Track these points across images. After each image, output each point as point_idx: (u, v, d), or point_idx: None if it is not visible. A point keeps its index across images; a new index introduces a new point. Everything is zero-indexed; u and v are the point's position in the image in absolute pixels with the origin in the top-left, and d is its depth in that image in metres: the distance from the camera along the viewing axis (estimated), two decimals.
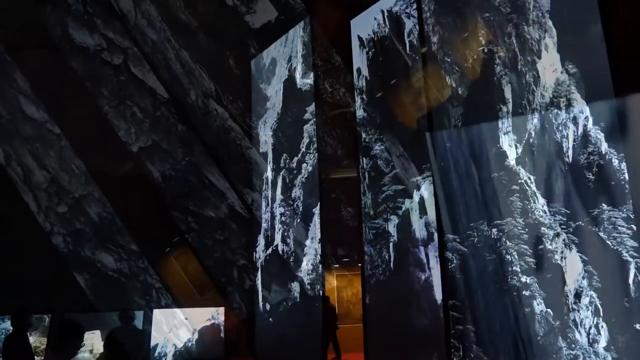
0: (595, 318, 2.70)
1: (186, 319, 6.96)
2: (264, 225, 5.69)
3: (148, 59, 5.56)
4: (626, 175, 2.70)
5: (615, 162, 2.73)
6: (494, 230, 2.86)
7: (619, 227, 2.68)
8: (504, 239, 2.87)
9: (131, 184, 8.52)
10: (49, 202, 6.98)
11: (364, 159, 4.63)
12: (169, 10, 5.01)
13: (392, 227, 4.45)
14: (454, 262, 3.14)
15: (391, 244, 4.49)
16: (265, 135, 5.22)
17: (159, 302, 7.14)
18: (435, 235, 3.98)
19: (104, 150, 8.61)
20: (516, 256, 2.90)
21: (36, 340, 5.95)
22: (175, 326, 6.93)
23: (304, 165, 4.81)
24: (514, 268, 2.87)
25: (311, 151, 4.69)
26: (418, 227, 4.20)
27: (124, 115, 6.66)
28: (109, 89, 6.61)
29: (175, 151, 6.51)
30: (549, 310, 2.91)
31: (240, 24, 4.68)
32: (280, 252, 5.56)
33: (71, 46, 6.55)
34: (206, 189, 6.52)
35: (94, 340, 6.37)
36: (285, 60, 4.56)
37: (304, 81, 4.54)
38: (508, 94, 3.53)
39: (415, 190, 4.19)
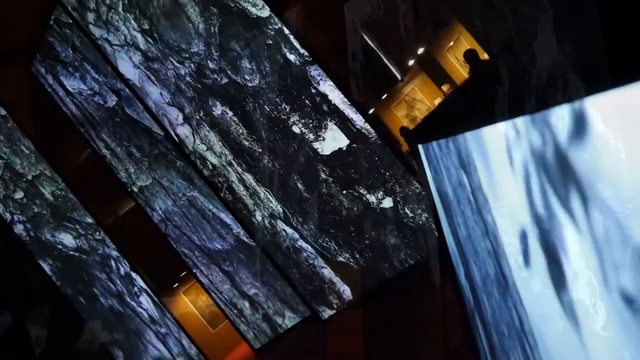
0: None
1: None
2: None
3: (207, 181, 5.63)
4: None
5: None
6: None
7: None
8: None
9: (134, 223, 8.55)
10: (6, 191, 6.93)
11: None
12: (230, 136, 5.06)
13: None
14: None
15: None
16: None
17: (119, 271, 7.05)
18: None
19: (105, 193, 8.68)
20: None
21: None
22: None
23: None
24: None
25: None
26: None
27: (122, 156, 6.71)
28: (105, 132, 6.68)
29: (176, 187, 6.53)
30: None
31: (309, 151, 4.73)
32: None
33: (64, 92, 6.66)
34: (209, 221, 6.52)
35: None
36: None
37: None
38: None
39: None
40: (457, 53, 10.98)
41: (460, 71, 11.04)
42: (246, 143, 5.17)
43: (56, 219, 7.03)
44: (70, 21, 6.02)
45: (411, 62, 10.83)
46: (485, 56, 7.27)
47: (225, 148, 5.35)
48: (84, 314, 7.08)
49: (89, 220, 7.02)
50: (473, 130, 1.05)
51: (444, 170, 1.52)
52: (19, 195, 6.96)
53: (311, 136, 4.74)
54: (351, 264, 4.99)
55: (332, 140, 4.66)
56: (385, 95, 12.20)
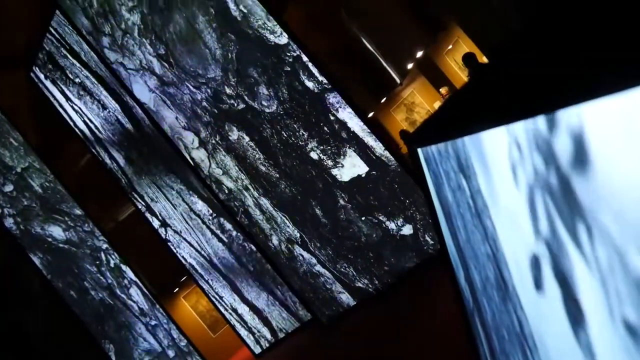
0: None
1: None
2: None
3: (224, 205, 5.64)
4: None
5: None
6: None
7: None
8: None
9: (134, 227, 8.55)
10: None
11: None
12: (247, 160, 5.04)
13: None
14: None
15: None
16: None
17: (109, 263, 7.04)
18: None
19: (105, 199, 8.69)
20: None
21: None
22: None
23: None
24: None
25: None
26: None
27: (122, 161, 6.72)
28: (105, 137, 6.68)
29: (176, 191, 6.52)
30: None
31: (327, 177, 4.73)
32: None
33: (63, 98, 6.67)
34: (209, 225, 6.51)
35: None
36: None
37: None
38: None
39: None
40: (456, 56, 10.99)
41: (459, 74, 11.06)
42: (263, 168, 5.10)
43: (45, 211, 6.97)
44: (70, 27, 6.03)
45: (410, 66, 10.86)
46: (484, 59, 7.27)
47: (242, 172, 5.28)
48: (75, 308, 7.05)
49: (78, 211, 6.94)
50: (472, 134, 1.02)
51: (443, 174, 1.49)
52: (9, 188, 6.89)
53: (329, 163, 4.68)
54: (370, 289, 4.97)
55: (351, 167, 4.59)
56: (385, 98, 12.22)
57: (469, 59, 6.32)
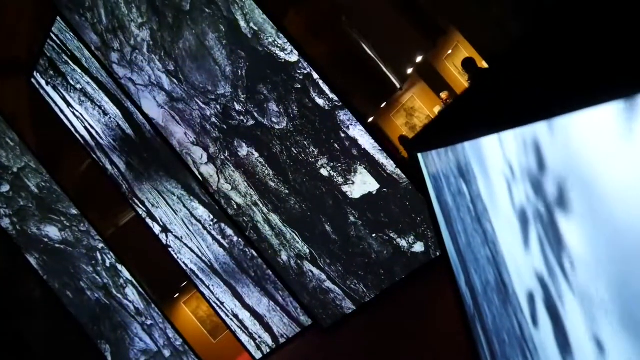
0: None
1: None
2: None
3: (232, 220, 5.64)
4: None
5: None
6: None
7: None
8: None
9: (134, 232, 8.55)
10: None
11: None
12: (256, 176, 5.05)
13: None
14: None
15: None
16: None
17: (104, 263, 7.03)
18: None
19: (106, 204, 8.68)
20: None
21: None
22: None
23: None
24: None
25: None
26: None
27: (122, 167, 6.73)
28: (106, 143, 6.68)
29: (177, 197, 6.53)
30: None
31: (337, 194, 4.73)
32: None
33: (64, 104, 6.67)
34: (210, 231, 6.51)
35: None
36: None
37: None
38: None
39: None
40: (456, 61, 11.01)
41: (459, 79, 11.08)
42: (272, 184, 5.08)
43: (42, 211, 6.98)
44: (71, 34, 6.03)
45: (410, 71, 10.89)
46: (483, 64, 7.29)
47: (251, 188, 5.31)
48: (71, 308, 7.04)
49: (74, 211, 6.98)
50: (472, 139, 1.03)
51: (443, 179, 1.51)
52: (5, 188, 6.86)
53: (340, 179, 4.68)
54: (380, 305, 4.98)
55: (362, 184, 4.59)
56: (385, 103, 12.25)
57: (468, 63, 6.33)
